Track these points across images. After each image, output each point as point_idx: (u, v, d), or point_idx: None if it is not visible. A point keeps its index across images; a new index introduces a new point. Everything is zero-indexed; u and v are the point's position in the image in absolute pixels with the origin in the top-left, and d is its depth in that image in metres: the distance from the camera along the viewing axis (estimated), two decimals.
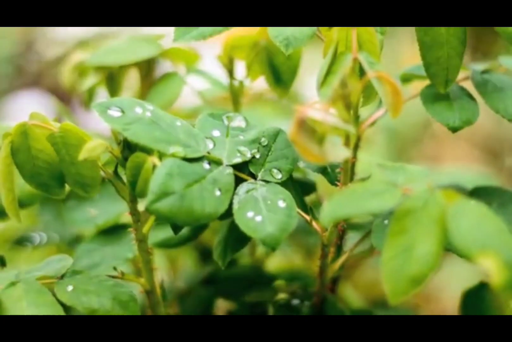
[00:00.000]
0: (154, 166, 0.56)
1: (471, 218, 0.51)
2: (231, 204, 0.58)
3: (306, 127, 0.52)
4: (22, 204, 0.70)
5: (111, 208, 0.76)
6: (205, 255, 0.83)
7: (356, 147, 0.65)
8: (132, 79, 0.85)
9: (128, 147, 0.60)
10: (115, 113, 0.59)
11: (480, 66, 0.72)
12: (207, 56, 0.86)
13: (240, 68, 0.81)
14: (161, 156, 0.57)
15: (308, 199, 0.71)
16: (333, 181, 0.66)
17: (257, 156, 0.63)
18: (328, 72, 0.58)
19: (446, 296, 1.22)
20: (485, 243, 0.50)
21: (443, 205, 0.52)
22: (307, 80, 1.18)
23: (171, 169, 0.55)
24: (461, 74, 0.69)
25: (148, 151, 0.58)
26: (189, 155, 0.58)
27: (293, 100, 1.01)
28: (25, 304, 0.58)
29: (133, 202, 0.61)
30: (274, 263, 0.86)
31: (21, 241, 0.87)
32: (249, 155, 0.62)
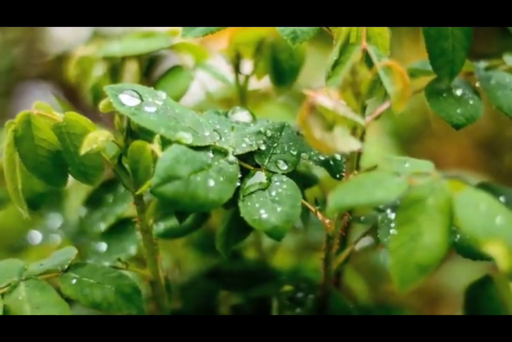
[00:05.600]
0: (154, 154, 0.56)
1: (479, 207, 0.51)
2: (235, 193, 0.58)
3: (316, 114, 0.52)
4: (32, 205, 0.68)
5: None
6: (209, 251, 0.83)
7: (362, 137, 0.64)
8: (134, 77, 0.85)
9: (131, 135, 0.60)
10: (125, 97, 0.59)
11: (483, 64, 0.73)
12: (213, 55, 0.86)
13: (246, 64, 0.81)
14: (164, 144, 0.57)
15: (313, 193, 0.71)
16: (335, 174, 0.66)
17: (263, 147, 0.63)
18: (337, 63, 0.58)
19: (447, 295, 1.21)
20: (493, 231, 0.50)
21: (449, 194, 0.52)
22: (311, 80, 1.19)
23: (177, 155, 0.55)
24: (466, 71, 0.69)
25: (150, 140, 0.58)
26: (196, 143, 0.58)
27: (299, 100, 1.01)
28: (28, 308, 0.58)
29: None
30: (278, 257, 0.86)
31: (23, 240, 0.86)
32: (254, 146, 0.62)
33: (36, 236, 0.86)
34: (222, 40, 0.79)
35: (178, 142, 0.57)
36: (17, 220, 0.90)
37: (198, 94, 0.86)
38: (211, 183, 0.56)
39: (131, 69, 0.82)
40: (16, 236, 0.88)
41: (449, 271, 1.16)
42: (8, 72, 1.56)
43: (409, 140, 1.38)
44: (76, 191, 0.89)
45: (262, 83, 0.85)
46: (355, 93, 0.55)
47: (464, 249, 0.63)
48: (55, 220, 0.85)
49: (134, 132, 0.60)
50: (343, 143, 0.53)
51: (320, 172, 0.73)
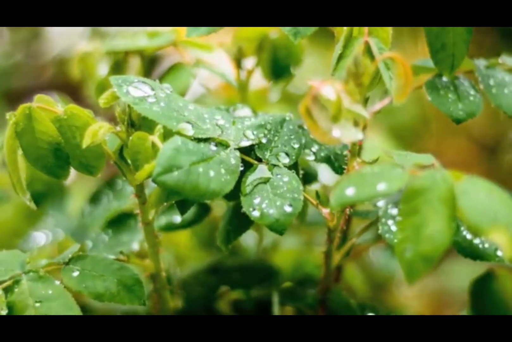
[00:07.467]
0: (154, 146, 0.56)
1: (480, 194, 0.51)
2: (237, 186, 0.58)
3: (319, 104, 0.52)
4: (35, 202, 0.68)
5: None
6: (210, 247, 0.83)
7: (364, 129, 0.64)
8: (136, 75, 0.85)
9: (132, 126, 0.60)
10: (130, 88, 0.59)
11: (483, 63, 0.73)
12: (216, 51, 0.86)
13: (248, 61, 0.81)
14: (165, 136, 0.57)
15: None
16: (337, 170, 0.66)
17: (264, 140, 0.63)
18: (341, 56, 0.59)
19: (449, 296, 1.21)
20: (496, 218, 0.50)
21: (451, 183, 0.52)
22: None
23: (178, 145, 0.55)
24: (466, 69, 0.69)
25: (151, 133, 0.58)
26: (197, 135, 0.58)
27: (297, 100, 1.01)
28: (32, 301, 0.57)
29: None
30: (280, 252, 0.86)
31: (24, 241, 0.86)
32: (256, 139, 0.62)
33: (37, 236, 0.86)
34: (224, 34, 0.80)
35: (180, 133, 0.57)
36: (18, 220, 0.90)
37: (199, 92, 0.86)
38: (213, 174, 0.56)
39: (134, 67, 0.82)
40: (17, 236, 0.88)
41: (449, 273, 1.16)
42: (11, 75, 1.56)
43: (409, 141, 1.38)
44: (76, 189, 0.90)
45: (261, 81, 0.85)
46: (357, 85, 0.55)
47: (465, 248, 0.63)
48: (56, 218, 0.85)
49: (135, 124, 0.60)
50: (346, 133, 0.53)
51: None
